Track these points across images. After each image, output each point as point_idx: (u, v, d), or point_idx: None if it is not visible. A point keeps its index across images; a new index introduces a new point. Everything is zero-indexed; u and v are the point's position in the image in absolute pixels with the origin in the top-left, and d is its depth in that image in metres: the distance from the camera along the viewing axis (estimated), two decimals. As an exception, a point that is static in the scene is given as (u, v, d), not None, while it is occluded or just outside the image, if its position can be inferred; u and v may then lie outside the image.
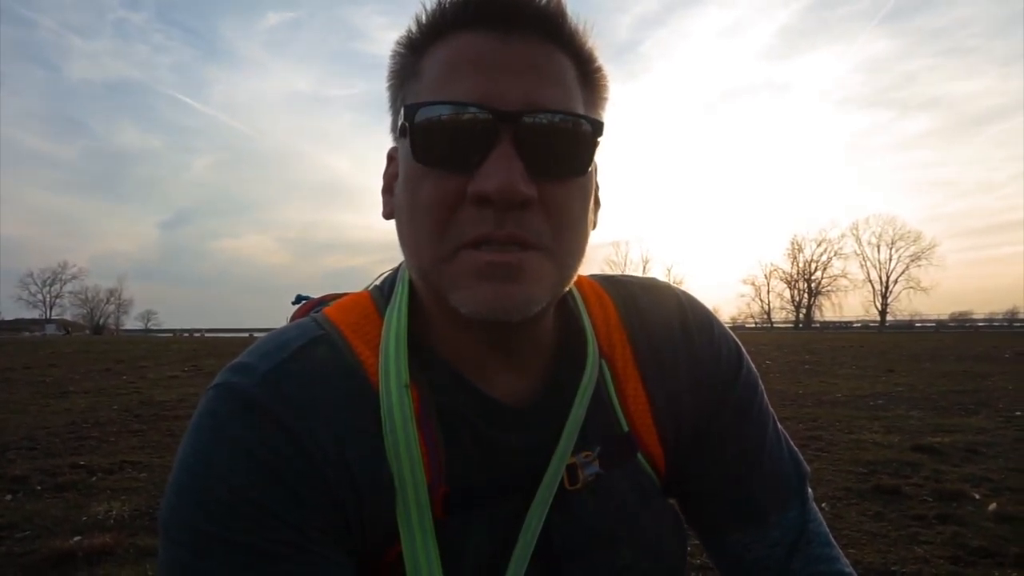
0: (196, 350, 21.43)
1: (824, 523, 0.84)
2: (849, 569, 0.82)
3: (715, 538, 0.84)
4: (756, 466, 0.81)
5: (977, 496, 3.70)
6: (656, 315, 0.81)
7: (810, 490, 0.84)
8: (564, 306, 0.78)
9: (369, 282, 0.83)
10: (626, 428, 0.77)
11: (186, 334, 57.42)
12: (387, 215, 0.73)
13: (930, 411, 7.02)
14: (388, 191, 0.73)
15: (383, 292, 0.76)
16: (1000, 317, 79.21)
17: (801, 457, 0.86)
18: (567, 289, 0.69)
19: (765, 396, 0.85)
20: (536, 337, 0.73)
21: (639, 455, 0.78)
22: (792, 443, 0.86)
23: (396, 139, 0.70)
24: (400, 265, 0.77)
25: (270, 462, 0.62)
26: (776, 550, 0.79)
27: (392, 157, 0.73)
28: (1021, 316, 76.96)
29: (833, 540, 0.84)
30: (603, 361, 0.77)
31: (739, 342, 0.85)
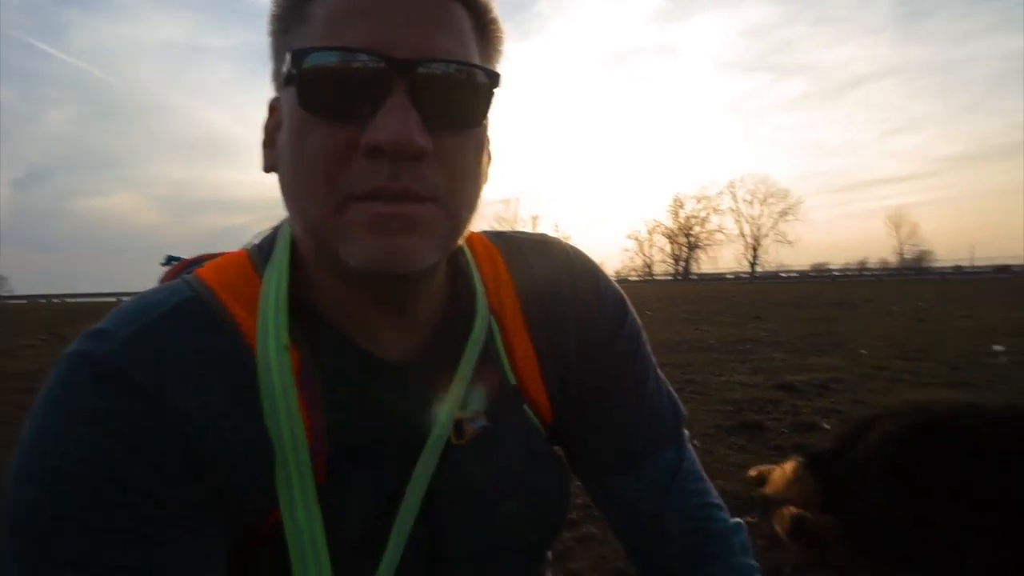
0: (55, 317, 19.78)
1: (697, 460, 0.89)
2: (718, 500, 0.88)
3: (597, 482, 0.87)
4: (637, 413, 0.84)
5: (827, 426, 4.08)
6: (544, 270, 0.82)
7: (686, 431, 0.89)
8: (454, 261, 0.77)
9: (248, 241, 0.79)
10: (513, 381, 0.78)
11: (43, 300, 52.70)
12: (268, 168, 0.69)
13: (791, 353, 7.62)
14: (269, 144, 0.69)
15: (262, 251, 0.72)
16: (853, 267, 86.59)
17: (679, 401, 0.90)
18: (459, 243, 0.69)
19: (647, 345, 0.88)
20: (426, 292, 0.72)
21: (525, 407, 0.79)
22: (671, 388, 0.90)
23: (279, 88, 0.66)
24: (281, 223, 0.73)
25: (129, 435, 0.57)
26: (653, 488, 0.84)
27: (274, 108, 0.69)
28: (869, 266, 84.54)
29: (704, 475, 0.89)
30: (491, 316, 0.78)
31: (624, 294, 0.87)
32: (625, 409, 0.84)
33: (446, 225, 0.63)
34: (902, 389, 5.26)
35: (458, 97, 0.62)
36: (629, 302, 0.87)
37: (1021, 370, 6.03)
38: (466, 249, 0.80)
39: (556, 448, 0.86)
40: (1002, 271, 60.87)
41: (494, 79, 0.64)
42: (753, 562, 0.84)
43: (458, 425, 0.72)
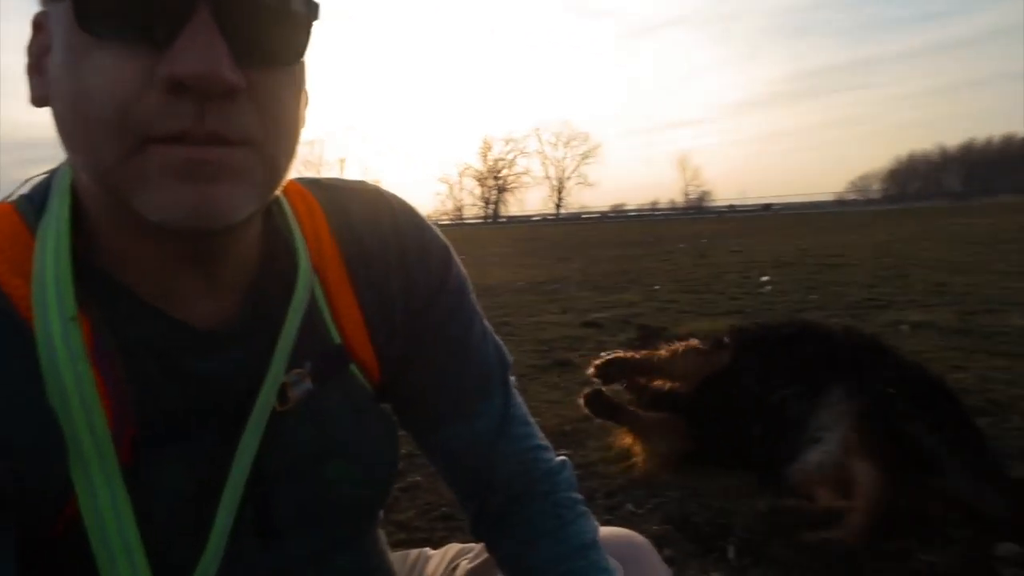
0: None
1: (522, 405, 0.91)
2: (544, 442, 0.91)
3: (428, 435, 0.87)
4: (464, 364, 0.84)
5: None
6: (368, 222, 0.78)
7: (512, 378, 0.90)
8: (269, 214, 0.71)
9: (12, 190, 0.67)
10: (338, 340, 0.75)
11: None
12: (38, 100, 0.57)
13: (595, 291, 8.15)
14: (37, 70, 0.58)
15: (33, 203, 0.62)
16: (647, 208, 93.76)
17: (504, 349, 0.91)
18: (276, 194, 0.62)
19: (472, 295, 0.88)
20: (239, 250, 0.66)
21: (352, 367, 0.76)
22: (496, 336, 0.90)
23: (47, 1, 0.56)
24: (57, 168, 0.63)
25: None
26: (483, 436, 0.85)
27: (40, 25, 0.57)
28: (661, 206, 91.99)
29: (530, 419, 0.91)
30: (314, 273, 0.73)
31: (448, 245, 0.85)
32: (453, 362, 0.84)
33: (262, 172, 0.57)
34: (689, 319, 5.84)
35: (273, 27, 0.55)
36: (454, 252, 0.86)
37: (783, 297, 6.95)
38: (282, 200, 0.74)
39: (384, 405, 0.85)
40: (765, 209, 69.16)
41: (313, 9, 0.58)
42: (577, 495, 0.89)
43: (281, 391, 0.69)
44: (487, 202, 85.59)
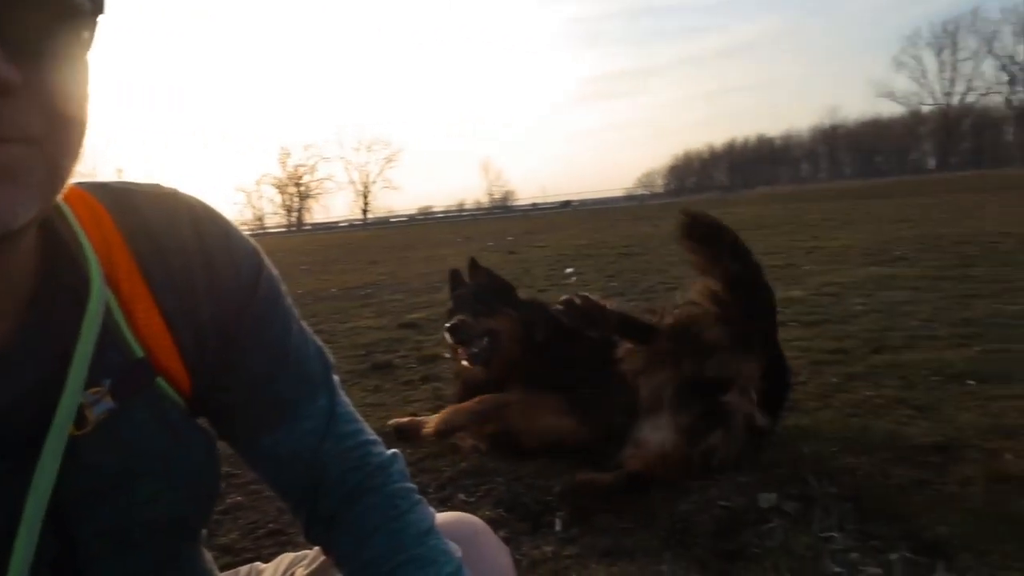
0: None
1: (349, 403, 0.90)
2: (373, 437, 0.90)
3: (251, 443, 0.83)
4: (284, 367, 0.81)
5: (447, 355, 4.50)
6: (165, 226, 0.73)
7: (336, 377, 0.88)
8: (48, 222, 0.65)
9: None
10: (140, 354, 0.70)
11: None
12: None
13: (408, 292, 8.14)
14: None
15: None
16: (454, 209, 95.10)
17: (325, 349, 0.89)
18: (57, 199, 0.58)
19: (286, 296, 0.85)
20: (15, 261, 0.60)
21: (159, 380, 0.72)
22: (315, 337, 0.89)
23: None
24: None
25: None
26: (309, 438, 0.82)
27: None
28: (467, 207, 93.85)
29: (357, 416, 0.90)
30: (105, 285, 0.68)
31: (257, 247, 0.82)
32: (272, 366, 0.81)
33: (43, 173, 0.52)
34: (504, 313, 6.04)
35: (54, 21, 0.51)
36: (264, 254, 0.83)
37: (587, 286, 7.41)
38: (63, 206, 0.68)
39: (200, 419, 0.80)
40: (565, 205, 73.12)
41: (97, 3, 0.55)
42: (410, 485, 0.90)
43: (80, 413, 0.64)
44: (289, 210, 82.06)
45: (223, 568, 1.05)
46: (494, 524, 2.16)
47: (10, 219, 0.50)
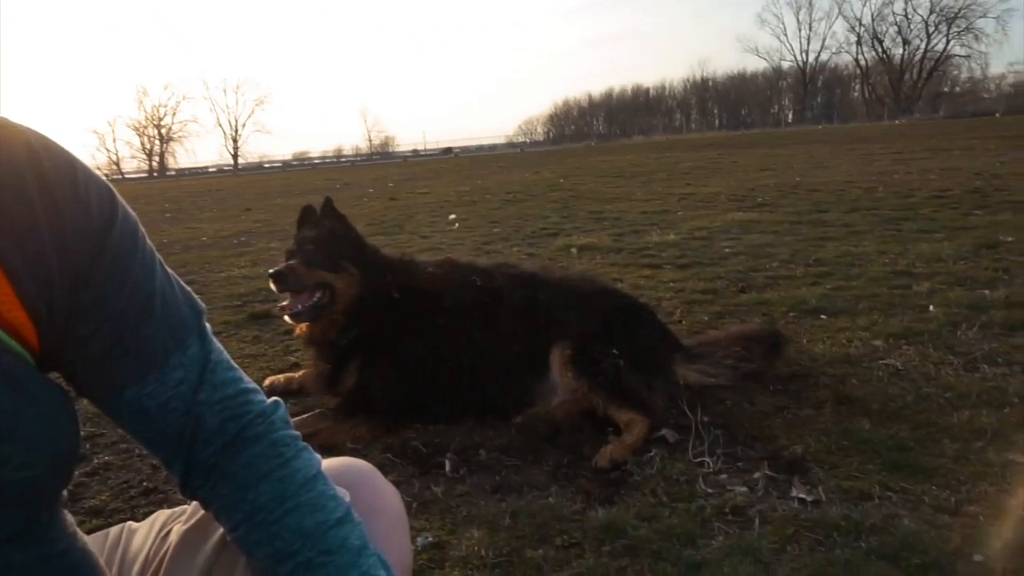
0: None
1: (224, 351, 0.85)
2: (252, 385, 0.86)
3: (116, 397, 0.77)
4: (149, 313, 0.76)
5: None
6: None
7: (207, 324, 0.84)
8: None
9: None
10: None
11: None
12: None
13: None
14: None
15: None
16: (331, 155, 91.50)
17: (194, 295, 0.83)
18: None
19: (147, 239, 0.78)
20: None
21: (1, 334, 0.65)
22: (183, 282, 0.83)
23: None
24: None
25: None
26: (182, 388, 0.78)
27: None
28: (346, 154, 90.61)
29: (234, 364, 0.86)
30: None
31: (109, 185, 0.75)
32: (135, 312, 0.75)
33: None
34: (387, 261, 5.93)
35: None
36: (117, 193, 0.76)
37: (471, 232, 7.41)
38: None
39: (54, 375, 0.74)
40: (446, 152, 72.27)
41: None
42: (293, 432, 0.87)
43: None
44: (150, 154, 75.86)
45: (93, 531, 0.99)
46: (383, 469, 2.16)
47: None
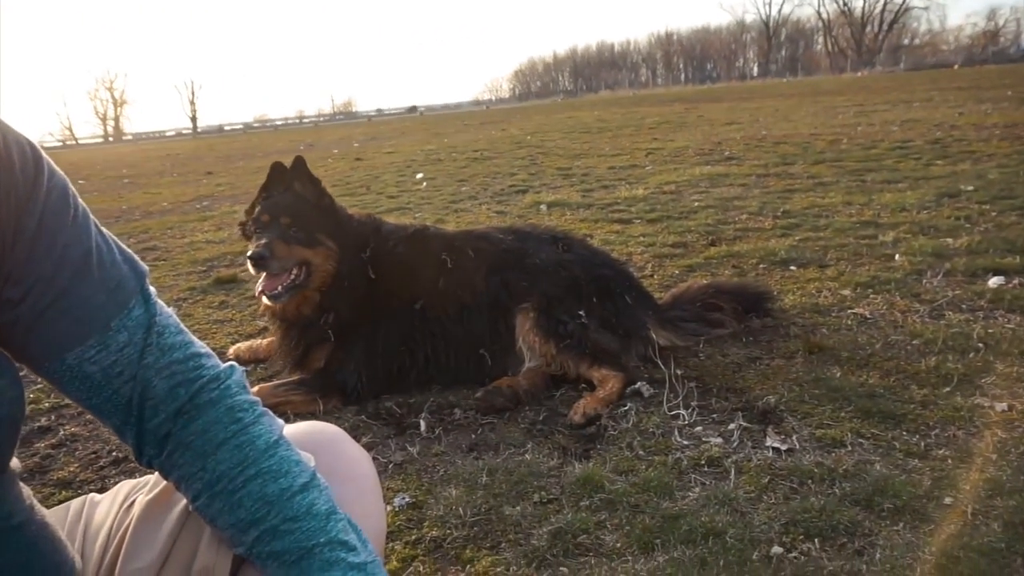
0: None
1: (173, 315, 0.81)
2: (204, 349, 0.83)
3: (58, 363, 0.73)
4: (87, 275, 0.73)
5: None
6: None
7: (151, 287, 0.80)
8: None
9: None
10: None
11: None
12: None
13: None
14: None
15: None
16: (294, 117, 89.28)
17: (136, 258, 0.80)
18: None
19: (79, 199, 0.75)
20: None
21: None
22: (123, 245, 0.79)
23: None
24: None
25: None
26: (126, 351, 0.75)
27: None
28: (307, 115, 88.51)
29: (183, 328, 0.82)
30: None
31: (34, 143, 0.71)
32: (69, 274, 0.72)
33: None
34: (354, 222, 5.81)
35: None
36: (42, 151, 0.73)
37: (438, 192, 7.30)
38: None
39: None
40: (411, 111, 71.00)
41: None
42: (251, 397, 0.84)
43: None
44: (104, 118, 73.27)
45: (61, 503, 0.96)
46: (357, 430, 2.14)
47: None
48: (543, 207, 5.75)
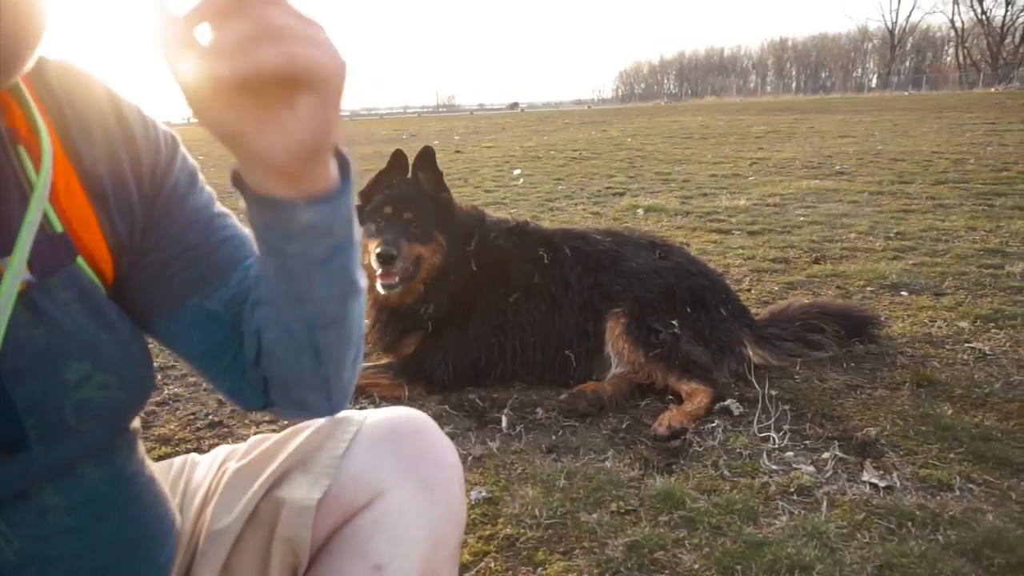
0: None
1: None
2: None
3: (171, 313, 0.79)
4: (216, 231, 0.80)
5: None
6: (84, 100, 0.70)
7: None
8: None
9: None
10: (59, 228, 0.66)
11: None
12: None
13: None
14: None
15: None
16: (398, 107, 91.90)
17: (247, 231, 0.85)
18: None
19: (205, 183, 0.84)
20: None
21: (80, 260, 0.68)
22: (236, 219, 0.86)
23: None
24: None
25: None
26: (244, 284, 0.80)
27: None
28: (411, 107, 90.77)
29: None
30: (20, 148, 0.64)
31: (175, 134, 0.81)
32: (203, 230, 0.80)
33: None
34: (450, 213, 5.91)
35: None
36: (179, 137, 0.82)
37: (535, 188, 7.32)
38: None
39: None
40: (513, 107, 71.63)
41: None
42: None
43: None
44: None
45: (161, 459, 1.02)
46: (440, 420, 2.16)
47: None
48: (640, 211, 5.66)
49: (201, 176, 0.83)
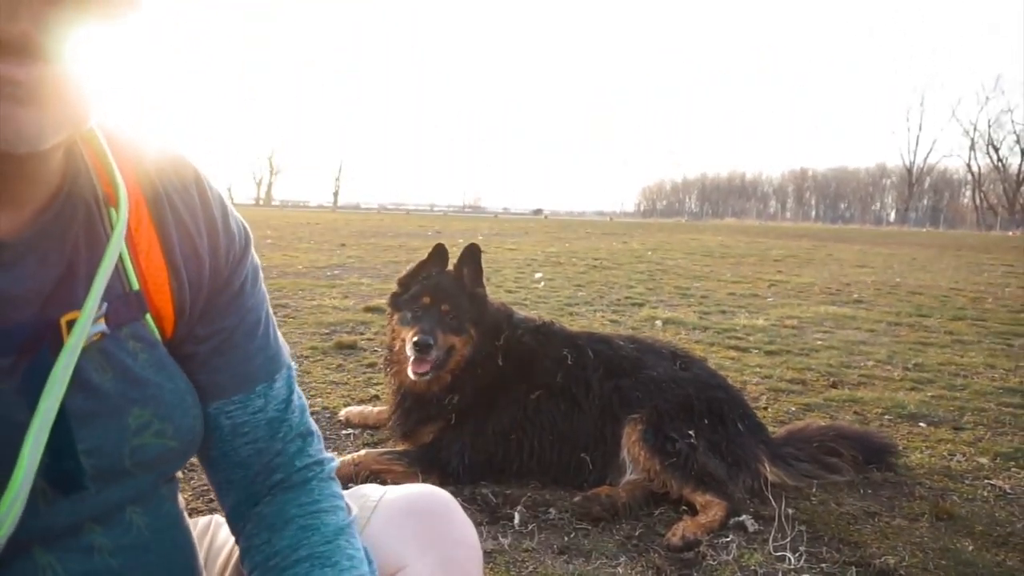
0: None
1: (303, 398, 0.92)
2: (318, 433, 0.93)
3: (204, 404, 0.83)
4: (254, 340, 0.84)
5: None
6: (175, 181, 0.76)
7: (295, 374, 0.91)
8: (75, 143, 0.68)
9: None
10: (136, 286, 0.72)
11: None
12: None
13: (375, 278, 8.06)
14: None
15: None
16: (424, 206, 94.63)
17: (286, 348, 0.92)
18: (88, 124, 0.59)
19: (264, 283, 0.89)
20: (40, 170, 0.62)
21: (148, 317, 0.74)
22: (279, 333, 0.91)
23: None
24: None
25: None
26: (258, 416, 0.84)
27: None
28: (438, 206, 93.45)
29: (308, 411, 0.93)
30: (111, 209, 0.70)
31: (247, 227, 0.86)
32: (243, 334, 0.83)
33: (71, 96, 0.54)
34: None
35: None
36: (251, 234, 0.87)
37: (555, 293, 7.44)
38: (97, 131, 0.70)
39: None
40: (536, 213, 73.46)
41: None
42: (338, 490, 0.91)
43: (73, 328, 0.64)
44: (259, 184, 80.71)
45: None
46: (453, 512, 2.15)
47: (35, 140, 0.51)
48: (659, 323, 5.72)
49: (261, 279, 0.88)
